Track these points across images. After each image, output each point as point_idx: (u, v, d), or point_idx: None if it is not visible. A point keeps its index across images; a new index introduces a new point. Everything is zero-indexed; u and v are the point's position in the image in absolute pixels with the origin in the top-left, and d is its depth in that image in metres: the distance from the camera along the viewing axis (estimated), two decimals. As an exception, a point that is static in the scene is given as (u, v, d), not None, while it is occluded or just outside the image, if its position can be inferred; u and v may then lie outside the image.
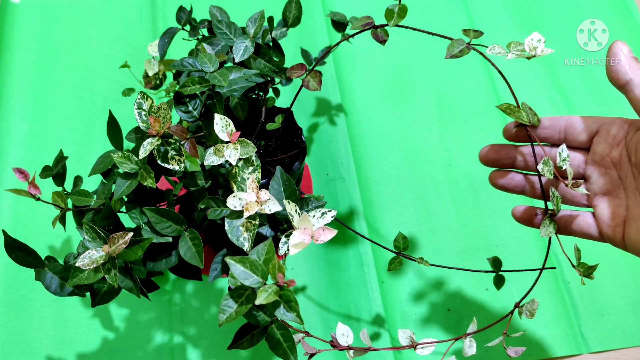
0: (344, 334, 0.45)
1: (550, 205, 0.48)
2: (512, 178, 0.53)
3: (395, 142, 0.78)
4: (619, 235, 0.46)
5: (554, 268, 0.54)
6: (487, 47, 0.46)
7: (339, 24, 0.57)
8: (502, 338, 0.48)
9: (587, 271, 0.47)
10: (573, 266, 0.48)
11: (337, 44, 0.51)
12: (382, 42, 0.49)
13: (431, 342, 0.47)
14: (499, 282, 0.55)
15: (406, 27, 0.48)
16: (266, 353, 0.64)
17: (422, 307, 0.68)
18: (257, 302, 0.33)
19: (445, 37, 0.47)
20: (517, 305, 0.50)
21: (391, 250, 0.56)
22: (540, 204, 0.51)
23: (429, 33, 0.48)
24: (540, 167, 0.46)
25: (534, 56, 0.45)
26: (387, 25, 0.48)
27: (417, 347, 0.46)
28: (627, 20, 0.89)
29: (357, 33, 0.51)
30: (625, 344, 0.66)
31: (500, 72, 0.47)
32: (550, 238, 0.49)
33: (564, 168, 0.46)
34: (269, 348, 0.40)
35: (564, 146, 0.46)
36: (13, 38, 0.82)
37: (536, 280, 0.50)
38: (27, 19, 0.84)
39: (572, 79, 0.84)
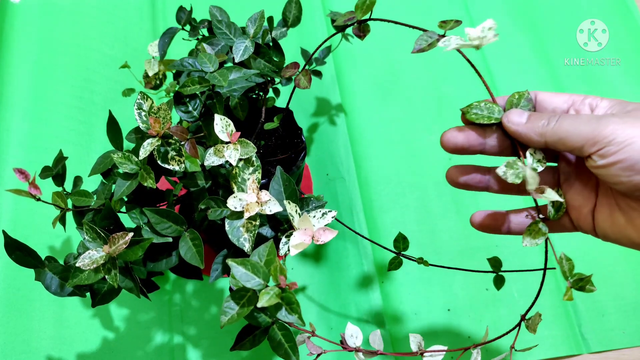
0: (353, 335, 0.44)
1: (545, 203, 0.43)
2: (475, 176, 0.47)
3: (395, 142, 0.78)
4: (590, 224, 0.44)
5: (554, 268, 0.54)
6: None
7: (339, 25, 0.57)
8: (510, 353, 0.46)
9: (578, 283, 0.42)
10: (566, 278, 0.43)
11: (327, 39, 0.51)
12: (360, 36, 0.48)
13: (439, 351, 0.45)
14: (499, 282, 0.55)
15: (385, 20, 0.46)
16: (267, 352, 0.64)
17: (422, 307, 0.68)
18: (259, 305, 0.33)
19: (422, 30, 0.44)
20: (523, 318, 0.47)
21: (391, 250, 0.56)
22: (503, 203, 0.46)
23: (407, 25, 0.45)
24: (502, 170, 0.41)
25: (480, 46, 0.40)
26: (369, 20, 0.48)
27: (424, 354, 0.46)
28: (627, 20, 0.89)
29: (341, 29, 0.50)
30: (625, 344, 0.66)
31: (470, 63, 0.42)
32: (547, 238, 0.46)
33: (538, 170, 0.41)
34: (269, 348, 0.40)
35: (533, 149, 0.42)
36: (13, 38, 0.82)
37: (540, 289, 0.46)
38: (27, 19, 0.84)
39: (572, 79, 0.84)
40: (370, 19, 0.47)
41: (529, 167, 0.41)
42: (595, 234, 0.44)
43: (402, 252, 0.55)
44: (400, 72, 0.84)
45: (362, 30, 0.48)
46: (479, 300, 0.68)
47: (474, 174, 0.47)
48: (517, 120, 0.41)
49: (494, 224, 0.47)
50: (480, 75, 0.42)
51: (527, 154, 0.42)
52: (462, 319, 0.67)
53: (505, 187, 0.47)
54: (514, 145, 0.43)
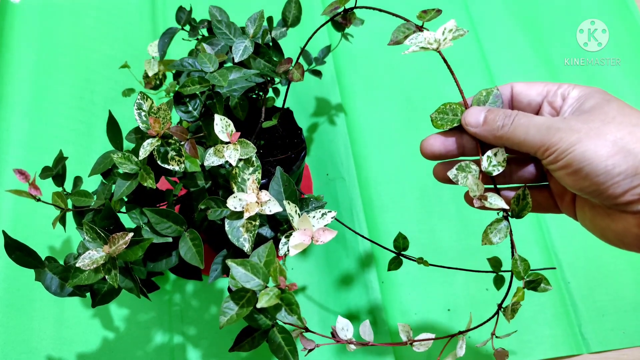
0: (344, 328, 0.45)
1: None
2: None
3: (395, 142, 0.78)
4: (572, 212, 0.44)
5: (554, 268, 0.54)
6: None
7: (339, 24, 0.57)
8: (491, 339, 0.48)
9: (531, 284, 0.43)
10: (520, 279, 0.43)
11: (318, 29, 0.51)
12: (344, 24, 0.48)
13: (427, 339, 0.46)
14: (499, 282, 0.54)
15: (370, 8, 0.47)
16: (266, 353, 0.64)
17: (422, 307, 0.68)
18: (258, 306, 0.33)
19: (404, 19, 0.43)
20: (499, 307, 0.47)
21: (391, 250, 0.56)
22: None
23: (391, 14, 0.45)
24: (453, 173, 0.41)
25: (438, 48, 0.40)
26: (354, 8, 0.48)
27: (414, 343, 0.46)
28: (627, 20, 0.89)
29: (330, 20, 0.50)
30: (625, 344, 0.66)
31: (445, 61, 0.42)
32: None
33: (494, 174, 0.41)
34: (268, 349, 0.40)
35: (501, 150, 0.41)
36: (13, 38, 0.82)
37: (511, 279, 0.47)
38: (27, 19, 0.84)
39: (572, 79, 0.84)
40: (355, 7, 0.47)
41: (475, 172, 0.41)
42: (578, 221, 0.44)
43: (402, 252, 0.55)
44: (400, 71, 0.84)
45: (346, 18, 0.48)
46: (479, 300, 0.68)
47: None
48: (474, 123, 0.42)
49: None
50: (452, 74, 0.42)
51: (484, 157, 0.41)
52: (462, 319, 0.67)
53: (489, 181, 0.46)
54: (480, 145, 0.42)
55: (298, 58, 0.52)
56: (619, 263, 0.71)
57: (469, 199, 0.46)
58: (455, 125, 0.43)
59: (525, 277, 0.43)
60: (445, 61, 0.42)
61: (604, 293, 0.69)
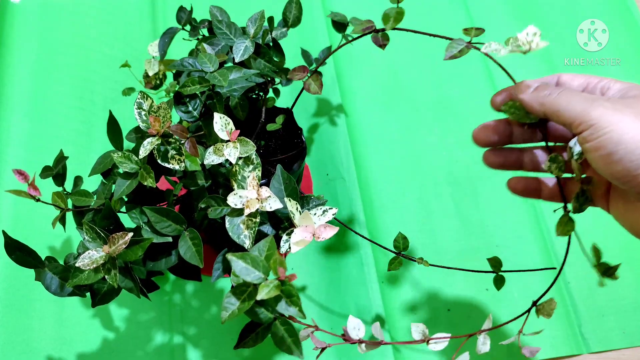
0: (355, 327, 0.45)
1: (569, 205, 0.45)
2: (509, 155, 0.49)
3: (395, 143, 0.78)
4: (606, 205, 0.44)
5: (555, 268, 0.54)
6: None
7: (340, 25, 0.57)
8: (518, 337, 0.48)
9: (608, 272, 0.45)
10: (594, 266, 0.46)
11: (339, 47, 0.51)
12: (382, 46, 0.49)
13: (444, 337, 0.46)
14: (499, 282, 0.55)
15: (406, 30, 0.48)
16: (266, 352, 0.64)
17: (422, 307, 0.68)
18: (258, 297, 0.33)
19: (446, 38, 0.46)
20: (534, 304, 0.49)
21: (391, 251, 0.56)
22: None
23: (429, 35, 0.47)
24: (546, 165, 0.43)
25: (529, 50, 0.42)
26: (386, 29, 0.48)
27: (430, 341, 0.46)
28: (627, 20, 0.89)
29: (358, 37, 0.50)
30: (625, 344, 0.66)
31: (501, 66, 0.45)
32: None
33: (578, 162, 0.43)
34: (270, 346, 0.40)
35: (575, 140, 0.42)
36: (13, 38, 0.82)
37: (554, 281, 0.48)
38: (27, 19, 0.84)
39: (572, 79, 0.84)
40: (393, 28, 0.48)
41: (574, 159, 0.42)
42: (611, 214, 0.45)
43: (402, 252, 0.55)
44: (400, 73, 0.84)
45: (384, 39, 0.48)
46: (479, 300, 0.68)
47: (508, 155, 0.49)
48: (525, 89, 0.43)
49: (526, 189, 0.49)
50: (506, 72, 0.45)
51: (570, 146, 0.43)
52: (462, 319, 0.67)
53: (536, 167, 0.48)
54: (543, 133, 0.45)
55: (317, 68, 0.51)
56: (619, 263, 0.70)
57: (515, 184, 0.49)
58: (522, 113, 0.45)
59: (597, 266, 0.45)
60: (495, 61, 0.45)
61: (604, 293, 0.69)
